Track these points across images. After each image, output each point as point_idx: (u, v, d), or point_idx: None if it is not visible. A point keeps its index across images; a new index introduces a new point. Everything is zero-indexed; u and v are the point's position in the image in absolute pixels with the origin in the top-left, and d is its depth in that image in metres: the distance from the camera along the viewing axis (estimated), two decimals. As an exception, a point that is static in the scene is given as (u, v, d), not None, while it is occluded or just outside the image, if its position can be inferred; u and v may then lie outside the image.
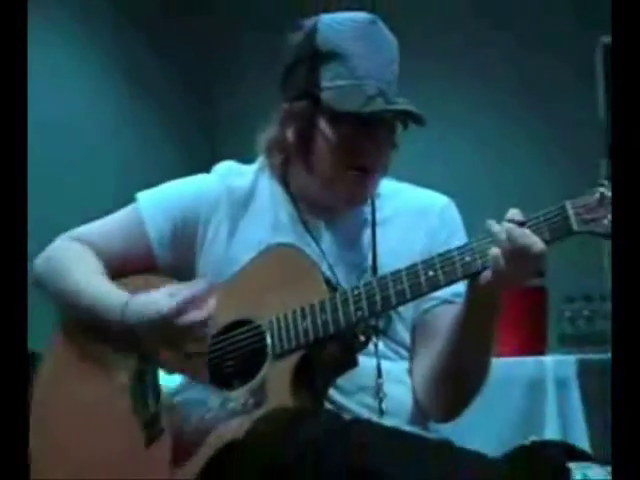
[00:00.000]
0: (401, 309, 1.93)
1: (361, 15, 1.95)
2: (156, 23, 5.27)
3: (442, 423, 1.99)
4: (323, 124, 1.92)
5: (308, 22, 1.97)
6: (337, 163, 1.93)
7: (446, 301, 1.94)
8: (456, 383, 1.91)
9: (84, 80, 4.97)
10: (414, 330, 1.99)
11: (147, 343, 1.89)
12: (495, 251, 1.70)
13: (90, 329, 1.96)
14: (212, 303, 1.84)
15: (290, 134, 1.97)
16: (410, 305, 1.92)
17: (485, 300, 1.79)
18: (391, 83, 1.91)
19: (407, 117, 1.90)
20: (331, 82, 1.90)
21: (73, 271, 1.99)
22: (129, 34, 5.16)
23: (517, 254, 1.68)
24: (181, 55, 5.38)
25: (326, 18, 1.95)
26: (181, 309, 1.82)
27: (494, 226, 1.71)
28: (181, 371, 1.88)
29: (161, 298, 1.85)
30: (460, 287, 1.86)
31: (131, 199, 2.09)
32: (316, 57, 1.92)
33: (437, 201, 2.04)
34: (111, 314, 1.89)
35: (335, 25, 1.94)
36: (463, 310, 1.82)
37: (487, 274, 1.72)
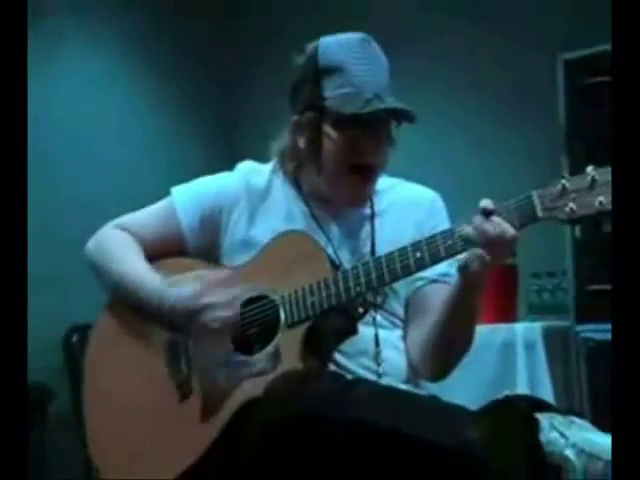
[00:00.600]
0: (395, 286, 1.93)
1: (355, 35, 1.94)
2: (185, 27, 5.05)
3: (433, 382, 1.99)
4: (329, 129, 1.91)
5: (310, 46, 1.97)
6: (343, 163, 1.92)
7: (434, 280, 1.94)
8: (446, 350, 1.91)
9: (113, 85, 4.79)
10: (407, 305, 1.99)
11: (179, 322, 1.88)
12: (477, 251, 1.70)
13: (133, 305, 1.96)
14: (233, 291, 1.84)
15: (301, 142, 1.96)
16: (403, 283, 1.91)
17: (473, 283, 1.79)
18: (384, 88, 1.90)
19: (400, 114, 1.90)
20: (333, 92, 1.89)
21: (119, 257, 2.00)
22: (158, 39, 4.97)
23: (493, 243, 1.68)
24: (208, 60, 5.15)
25: (325, 40, 1.95)
26: (204, 292, 1.83)
27: (466, 229, 1.70)
28: (208, 345, 1.87)
29: (189, 284, 1.86)
30: (446, 268, 1.86)
31: (150, 193, 2.11)
32: (319, 73, 1.91)
33: (427, 195, 2.04)
34: (152, 303, 1.90)
35: (333, 44, 1.93)
36: (455, 291, 1.82)
37: (474, 265, 1.72)
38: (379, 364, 1.89)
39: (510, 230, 1.67)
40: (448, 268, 1.88)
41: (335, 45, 1.93)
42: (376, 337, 1.90)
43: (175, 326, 1.89)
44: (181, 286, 1.87)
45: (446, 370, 1.95)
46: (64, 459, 3.64)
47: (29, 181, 3.86)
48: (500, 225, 1.67)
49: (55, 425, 3.73)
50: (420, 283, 1.95)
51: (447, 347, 1.90)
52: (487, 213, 1.69)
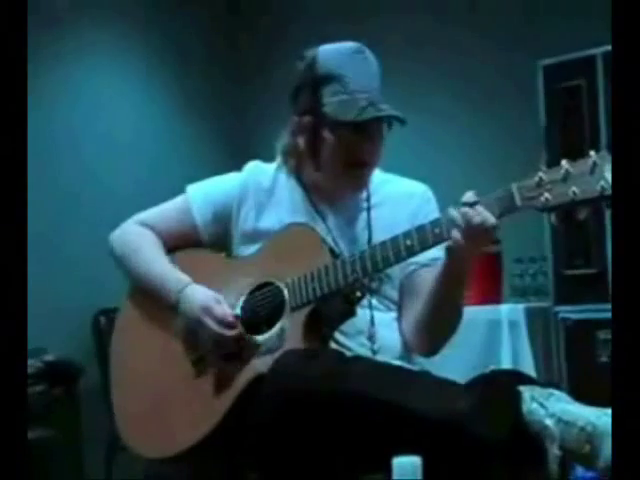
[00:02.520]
0: (390, 273, 1.92)
1: (350, 45, 1.92)
2: (203, 26, 4.94)
3: (425, 357, 1.98)
4: (326, 133, 1.90)
5: (309, 53, 1.95)
6: (339, 162, 1.92)
7: (425, 265, 1.93)
8: (436, 327, 1.90)
9: (131, 87, 4.67)
10: (401, 288, 1.98)
11: (187, 320, 1.89)
12: (455, 233, 1.68)
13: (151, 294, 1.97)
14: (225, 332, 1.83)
15: (301, 142, 1.95)
16: (397, 268, 1.90)
17: (457, 266, 1.78)
18: (377, 93, 1.89)
19: (392, 119, 1.89)
20: (330, 98, 1.88)
21: (141, 252, 2.01)
22: (176, 39, 4.81)
23: (473, 230, 1.67)
24: (224, 61, 5.05)
25: (323, 49, 1.94)
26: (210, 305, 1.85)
27: (452, 212, 1.69)
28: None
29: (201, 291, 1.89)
30: (437, 253, 1.85)
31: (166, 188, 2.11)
32: (317, 80, 1.90)
33: (418, 187, 2.03)
34: (169, 295, 1.91)
35: (330, 54, 1.92)
36: (442, 274, 1.81)
37: (454, 247, 1.71)
38: (374, 342, 1.88)
39: (491, 219, 1.66)
40: (439, 253, 1.85)
41: (333, 55, 1.91)
42: (372, 318, 1.90)
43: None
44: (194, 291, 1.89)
45: (437, 346, 1.94)
46: (91, 427, 3.64)
47: (63, 172, 3.78)
48: (482, 213, 1.66)
49: (85, 397, 3.73)
50: (413, 267, 1.94)
51: (437, 325, 1.89)
52: (471, 204, 1.68)
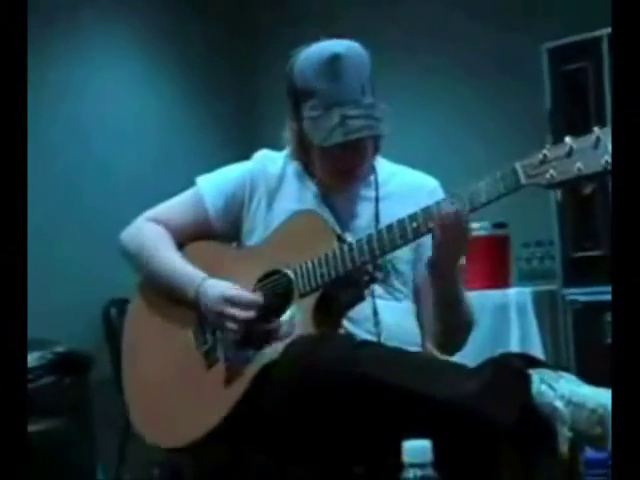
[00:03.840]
0: (399, 268, 1.93)
1: (325, 52, 1.84)
2: (206, 20, 4.92)
3: (448, 355, 1.97)
4: (310, 144, 1.88)
5: (292, 58, 1.91)
6: (326, 170, 1.92)
7: None
8: (447, 338, 1.92)
9: (135, 80, 4.67)
10: (416, 291, 1.98)
11: (207, 316, 1.89)
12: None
13: (164, 291, 1.97)
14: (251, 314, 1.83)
15: (293, 145, 1.95)
16: (408, 266, 1.93)
17: (444, 283, 1.82)
18: (356, 101, 1.82)
19: (365, 137, 1.84)
20: (309, 112, 1.85)
21: (154, 250, 2.00)
22: (180, 33, 4.81)
23: (447, 221, 1.71)
24: (228, 53, 5.02)
25: (299, 60, 1.88)
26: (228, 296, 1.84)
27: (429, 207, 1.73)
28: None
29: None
30: None
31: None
32: (296, 93, 1.88)
33: (428, 182, 2.01)
34: (187, 292, 1.90)
35: (305, 66, 1.86)
36: (434, 300, 1.85)
37: (434, 257, 1.78)
38: (379, 329, 1.88)
39: (462, 213, 1.69)
40: None
41: (307, 67, 1.85)
42: (374, 306, 1.89)
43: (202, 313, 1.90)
44: (212, 285, 1.88)
45: (452, 350, 1.94)
46: (103, 421, 3.65)
47: (68, 163, 3.79)
48: (452, 208, 1.69)
49: (97, 387, 3.74)
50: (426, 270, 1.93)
51: (447, 335, 1.91)
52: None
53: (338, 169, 1.90)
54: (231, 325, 1.83)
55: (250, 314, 1.82)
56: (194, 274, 1.92)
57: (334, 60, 1.83)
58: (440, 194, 1.96)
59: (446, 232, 1.72)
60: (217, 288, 1.87)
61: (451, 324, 1.89)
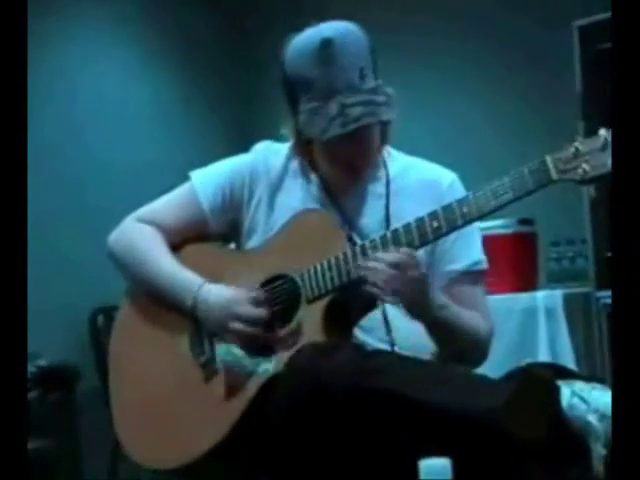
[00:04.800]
0: None
1: (315, 39, 1.83)
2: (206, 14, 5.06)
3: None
4: (309, 139, 1.89)
5: (281, 50, 1.90)
6: (330, 165, 1.92)
7: (464, 272, 1.93)
8: (457, 359, 1.90)
9: (134, 74, 4.81)
10: None
11: (209, 325, 1.90)
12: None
13: (157, 298, 1.97)
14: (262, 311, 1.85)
15: (294, 140, 1.95)
16: (422, 266, 1.90)
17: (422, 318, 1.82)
18: (353, 87, 1.81)
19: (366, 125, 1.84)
20: (304, 106, 1.85)
21: (146, 253, 1.99)
22: (179, 28, 4.94)
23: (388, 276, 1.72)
24: (229, 48, 5.16)
25: (290, 50, 1.87)
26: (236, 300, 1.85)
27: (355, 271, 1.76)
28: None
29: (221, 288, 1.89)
30: (476, 256, 1.94)
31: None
32: (290, 86, 1.88)
33: (444, 176, 1.99)
34: (183, 299, 1.91)
35: (296, 56, 1.86)
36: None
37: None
38: (393, 338, 1.88)
39: (404, 254, 1.74)
40: (480, 255, 1.94)
41: (298, 57, 1.85)
42: (384, 312, 1.89)
43: (201, 322, 1.91)
44: (212, 292, 1.89)
45: (472, 366, 1.94)
46: (91, 438, 3.67)
47: (61, 167, 3.85)
48: (382, 257, 1.73)
49: (83, 401, 3.76)
50: (452, 275, 1.94)
51: (455, 357, 1.90)
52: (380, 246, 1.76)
53: (342, 164, 1.90)
54: (234, 340, 1.84)
55: (256, 330, 1.83)
56: (191, 279, 1.92)
57: (325, 46, 1.81)
58: (458, 189, 1.95)
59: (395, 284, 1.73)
60: (219, 296, 1.87)
61: (455, 349, 1.89)
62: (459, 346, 1.89)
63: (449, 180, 1.98)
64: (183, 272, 1.94)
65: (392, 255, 1.73)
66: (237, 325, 1.83)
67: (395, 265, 1.72)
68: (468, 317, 1.89)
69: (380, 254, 1.74)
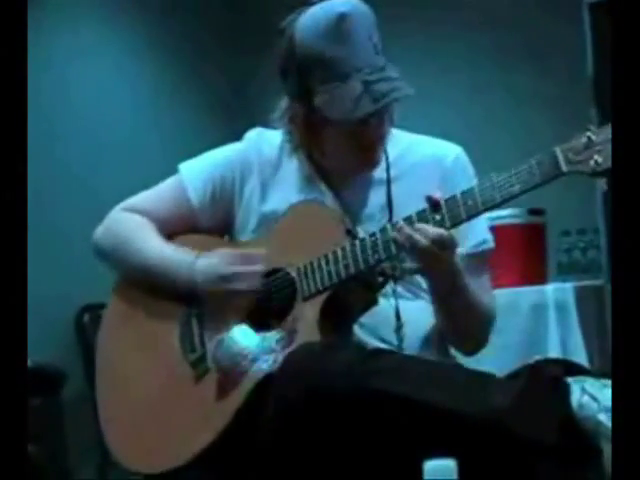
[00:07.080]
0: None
1: (331, 13, 1.82)
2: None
3: (468, 357, 2.00)
4: (323, 124, 1.88)
5: (288, 28, 1.88)
6: (343, 149, 1.91)
7: (470, 255, 1.92)
8: (461, 335, 1.93)
9: (127, 64, 4.89)
10: None
11: (208, 295, 1.90)
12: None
13: (145, 286, 1.98)
14: (259, 267, 1.87)
15: (295, 129, 1.94)
16: None
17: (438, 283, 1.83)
18: (372, 64, 1.83)
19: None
20: (321, 86, 1.83)
21: (136, 239, 2.00)
22: (173, 17, 5.03)
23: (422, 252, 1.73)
24: (224, 36, 5.23)
25: (300, 28, 1.85)
26: (237, 274, 1.87)
27: (391, 232, 1.76)
28: (223, 315, 1.90)
29: (221, 261, 1.89)
30: (481, 235, 1.95)
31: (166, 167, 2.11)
32: (302, 65, 1.85)
33: (449, 152, 1.99)
34: (181, 272, 1.92)
35: (310, 34, 1.84)
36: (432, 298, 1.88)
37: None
38: (401, 335, 1.88)
39: (422, 241, 1.71)
40: (485, 235, 1.95)
41: (312, 35, 1.83)
42: (397, 308, 1.89)
43: (195, 295, 1.91)
44: (215, 264, 1.90)
45: (472, 349, 1.97)
46: (79, 442, 3.68)
47: (42, 161, 3.90)
48: (426, 231, 1.71)
49: (69, 405, 3.77)
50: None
51: (460, 333, 1.92)
52: (433, 204, 1.73)
53: (361, 147, 1.89)
54: (235, 311, 1.85)
55: (254, 283, 1.85)
56: (185, 255, 1.93)
57: (341, 21, 1.81)
58: (463, 165, 1.97)
59: (426, 259, 1.75)
60: (212, 265, 1.88)
61: (465, 328, 1.90)
62: (468, 322, 1.89)
63: (454, 154, 1.98)
64: (176, 250, 1.96)
65: (435, 231, 1.73)
66: (237, 285, 1.85)
67: (436, 241, 1.72)
68: (477, 293, 1.90)
69: (424, 225, 1.73)
